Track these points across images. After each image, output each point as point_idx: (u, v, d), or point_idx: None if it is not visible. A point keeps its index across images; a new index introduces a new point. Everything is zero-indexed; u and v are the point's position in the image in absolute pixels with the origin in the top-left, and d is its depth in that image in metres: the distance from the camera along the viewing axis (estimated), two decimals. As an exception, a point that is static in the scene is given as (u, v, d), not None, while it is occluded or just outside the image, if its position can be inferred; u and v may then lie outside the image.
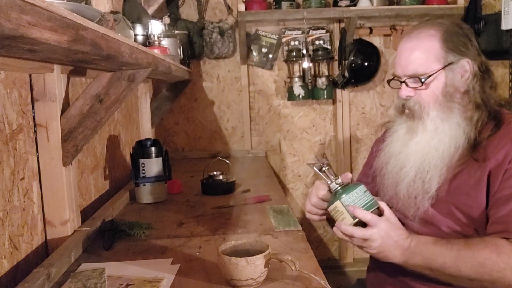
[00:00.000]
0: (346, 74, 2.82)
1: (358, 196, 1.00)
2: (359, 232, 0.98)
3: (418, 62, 1.11)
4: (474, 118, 1.10)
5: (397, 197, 1.16)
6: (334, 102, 2.99)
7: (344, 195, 1.00)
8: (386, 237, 0.98)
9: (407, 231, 1.03)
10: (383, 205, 1.02)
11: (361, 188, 1.01)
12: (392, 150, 1.20)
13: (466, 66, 1.11)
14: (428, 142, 1.12)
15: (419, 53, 1.12)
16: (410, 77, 1.13)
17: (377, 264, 1.26)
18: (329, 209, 1.04)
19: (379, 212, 1.01)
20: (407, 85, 1.14)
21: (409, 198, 1.13)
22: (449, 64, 1.10)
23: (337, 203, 1.01)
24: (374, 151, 1.36)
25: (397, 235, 0.99)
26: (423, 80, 1.11)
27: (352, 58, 2.80)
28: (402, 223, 1.06)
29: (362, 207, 0.99)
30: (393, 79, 1.19)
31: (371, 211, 0.99)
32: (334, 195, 1.04)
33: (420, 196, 1.11)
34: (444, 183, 1.09)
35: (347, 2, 2.72)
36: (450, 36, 1.11)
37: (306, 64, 2.80)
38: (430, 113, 1.12)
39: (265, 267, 0.95)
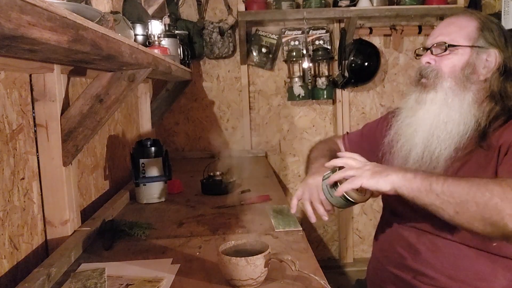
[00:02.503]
0: (346, 74, 2.82)
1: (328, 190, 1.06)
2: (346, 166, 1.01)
3: (451, 32, 1.15)
4: (487, 107, 1.11)
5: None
6: (334, 102, 2.99)
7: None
8: (375, 165, 1.00)
9: None
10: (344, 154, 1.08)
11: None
12: (400, 122, 1.21)
13: (492, 56, 1.12)
14: (437, 114, 1.13)
15: (454, 27, 1.15)
16: (437, 44, 1.15)
17: (378, 263, 1.26)
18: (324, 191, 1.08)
19: None
20: (432, 52, 1.16)
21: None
22: (478, 46, 1.12)
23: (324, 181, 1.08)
24: (378, 128, 1.38)
25: (385, 166, 1.01)
26: (448, 46, 1.13)
27: (352, 58, 2.80)
28: None
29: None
30: (418, 49, 1.23)
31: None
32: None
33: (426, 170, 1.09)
34: (451, 171, 1.08)
35: (347, 2, 2.72)
36: (487, 26, 1.14)
37: (306, 64, 2.81)
38: (444, 83, 1.13)
39: (265, 267, 0.95)
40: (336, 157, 1.12)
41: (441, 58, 1.14)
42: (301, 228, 1.36)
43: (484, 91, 1.13)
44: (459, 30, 1.14)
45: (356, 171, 0.99)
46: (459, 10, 2.70)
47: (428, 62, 1.16)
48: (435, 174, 0.96)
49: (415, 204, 0.95)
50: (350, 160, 1.04)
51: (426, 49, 1.19)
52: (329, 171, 1.08)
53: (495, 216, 0.85)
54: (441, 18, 2.91)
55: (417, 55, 1.24)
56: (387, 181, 0.95)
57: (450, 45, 1.13)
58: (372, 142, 1.38)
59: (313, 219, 1.15)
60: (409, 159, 1.15)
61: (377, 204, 3.07)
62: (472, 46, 1.12)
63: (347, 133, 1.56)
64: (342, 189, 1.00)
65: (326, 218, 1.14)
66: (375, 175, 0.97)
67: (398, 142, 1.20)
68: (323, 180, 1.09)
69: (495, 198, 0.85)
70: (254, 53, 2.90)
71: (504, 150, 1.02)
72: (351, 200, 1.02)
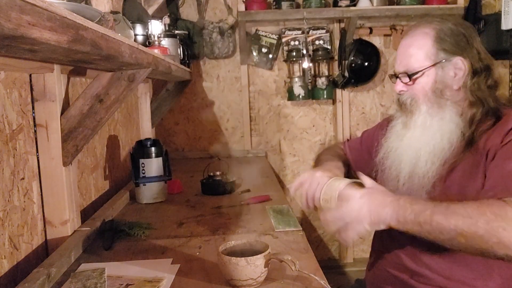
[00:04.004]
0: (346, 74, 2.82)
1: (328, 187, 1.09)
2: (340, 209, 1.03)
3: (409, 58, 1.16)
4: (468, 114, 1.11)
5: (398, 192, 1.16)
6: (334, 102, 2.99)
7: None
8: (370, 199, 1.01)
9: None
10: (364, 177, 1.07)
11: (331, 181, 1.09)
12: (390, 145, 1.23)
13: (459, 64, 1.11)
14: (419, 137, 1.15)
15: (412, 50, 1.16)
16: (403, 72, 1.17)
17: (377, 264, 1.26)
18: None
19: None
20: (401, 80, 1.18)
21: (408, 193, 1.13)
22: (440, 61, 1.13)
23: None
24: (375, 136, 1.39)
25: (382, 195, 1.02)
26: (410, 75, 1.15)
27: (352, 58, 2.80)
28: None
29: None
30: (394, 74, 1.24)
31: (342, 185, 1.06)
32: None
33: (419, 192, 1.12)
34: (440, 179, 1.10)
35: (347, 2, 2.72)
36: (444, 34, 1.13)
37: (306, 64, 2.81)
38: (421, 108, 1.15)
39: (265, 267, 0.95)
40: (343, 160, 1.29)
41: (411, 84, 1.16)
42: (301, 228, 1.36)
43: (463, 99, 1.13)
44: (417, 52, 1.15)
45: (356, 218, 1.01)
46: (459, 11, 2.71)
47: (402, 90, 1.18)
48: (426, 209, 0.96)
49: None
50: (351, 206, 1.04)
51: (395, 76, 1.20)
52: (342, 180, 1.08)
53: (484, 246, 0.90)
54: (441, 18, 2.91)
55: (391, 78, 1.26)
56: (384, 224, 1.00)
57: (411, 75, 1.15)
58: (371, 150, 1.39)
59: (304, 207, 1.19)
60: (399, 179, 1.18)
61: (377, 204, 3.06)
62: (434, 65, 1.13)
63: (348, 140, 1.57)
64: (345, 237, 1.03)
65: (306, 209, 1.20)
66: (374, 224, 1.01)
67: (387, 163, 1.22)
68: (325, 187, 1.10)
69: (480, 230, 0.89)
70: (254, 53, 2.90)
71: (492, 154, 1.03)
72: None
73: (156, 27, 1.84)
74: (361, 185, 1.07)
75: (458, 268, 1.09)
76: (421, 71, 1.14)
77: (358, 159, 1.44)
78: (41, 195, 1.19)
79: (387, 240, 1.22)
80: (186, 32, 2.69)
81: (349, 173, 1.41)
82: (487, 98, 1.11)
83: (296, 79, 2.84)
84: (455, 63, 1.12)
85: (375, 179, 1.30)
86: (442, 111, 1.13)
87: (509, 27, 2.39)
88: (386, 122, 1.39)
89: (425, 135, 1.14)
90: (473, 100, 1.12)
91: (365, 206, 1.00)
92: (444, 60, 1.12)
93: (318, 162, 1.41)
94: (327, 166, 1.26)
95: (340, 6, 2.73)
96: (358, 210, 1.01)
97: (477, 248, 0.91)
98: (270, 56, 2.90)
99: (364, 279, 1.38)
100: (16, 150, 1.07)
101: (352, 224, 1.01)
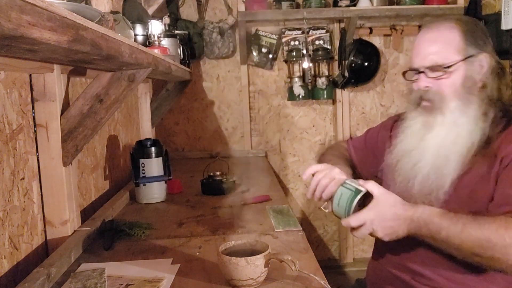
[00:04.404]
0: (346, 74, 2.82)
1: (340, 198, 1.05)
2: (354, 220, 1.02)
3: (438, 52, 1.11)
4: (489, 114, 1.09)
5: (409, 194, 1.14)
6: (334, 102, 2.99)
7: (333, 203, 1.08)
8: (381, 219, 1.00)
9: (408, 203, 1.03)
10: (371, 187, 1.03)
11: (340, 189, 1.06)
12: (405, 146, 1.18)
13: (483, 61, 1.10)
14: (446, 135, 1.10)
15: (440, 43, 1.11)
16: (430, 67, 1.11)
17: (378, 264, 1.26)
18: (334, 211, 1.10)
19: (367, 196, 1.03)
20: (426, 75, 1.12)
21: (422, 195, 1.11)
22: (469, 56, 1.10)
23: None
24: (380, 136, 1.37)
25: (392, 213, 1.00)
26: (446, 68, 1.09)
27: (352, 58, 2.80)
28: None
29: (346, 203, 1.04)
30: (407, 71, 1.19)
31: (356, 201, 1.02)
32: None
33: (434, 193, 1.09)
34: (455, 181, 1.08)
35: (347, 2, 2.72)
36: (470, 30, 1.11)
37: (306, 64, 2.81)
38: (450, 104, 1.10)
39: (265, 267, 0.95)
40: (348, 161, 1.29)
41: (439, 79, 1.11)
42: (301, 228, 1.36)
43: (485, 97, 1.10)
44: (447, 46, 1.11)
45: (372, 226, 1.02)
46: (459, 11, 2.71)
47: (427, 86, 1.13)
48: (441, 229, 0.97)
49: None
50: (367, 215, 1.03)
51: (418, 71, 1.14)
52: (354, 184, 1.05)
53: (499, 266, 0.95)
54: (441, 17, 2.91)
55: (405, 75, 1.21)
56: (399, 237, 1.02)
57: (446, 67, 1.09)
58: (375, 149, 1.37)
59: (309, 195, 1.16)
60: (413, 182, 1.14)
61: (377, 204, 3.06)
62: (464, 59, 1.10)
63: (351, 138, 1.54)
64: (357, 234, 1.05)
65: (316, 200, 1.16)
66: (388, 236, 1.02)
67: (400, 165, 1.18)
68: (343, 185, 1.06)
69: (497, 254, 0.92)
70: (254, 53, 2.90)
71: (506, 162, 1.03)
72: None
73: (156, 27, 1.84)
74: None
75: (460, 270, 1.08)
76: (453, 65, 1.09)
77: (362, 159, 1.42)
78: (41, 195, 1.19)
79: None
80: (186, 32, 2.69)
81: (355, 174, 1.38)
82: (503, 97, 1.10)
83: (296, 79, 2.84)
84: (481, 59, 1.10)
85: (380, 181, 1.29)
86: (470, 109, 1.09)
87: (509, 27, 2.39)
88: (392, 122, 1.37)
89: (453, 133, 1.09)
90: (493, 98, 1.10)
91: (375, 222, 1.01)
92: (472, 56, 1.09)
93: (322, 162, 1.35)
94: (341, 168, 1.21)
95: (340, 6, 2.73)
96: (370, 225, 1.01)
97: (491, 266, 0.96)
98: (270, 56, 2.90)
99: (364, 278, 1.38)
100: (16, 150, 1.07)
101: (366, 232, 1.03)
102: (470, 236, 0.94)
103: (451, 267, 1.09)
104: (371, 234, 1.04)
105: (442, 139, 1.11)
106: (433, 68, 1.11)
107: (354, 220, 1.02)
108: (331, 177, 1.11)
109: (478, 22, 1.17)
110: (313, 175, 1.16)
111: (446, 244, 0.98)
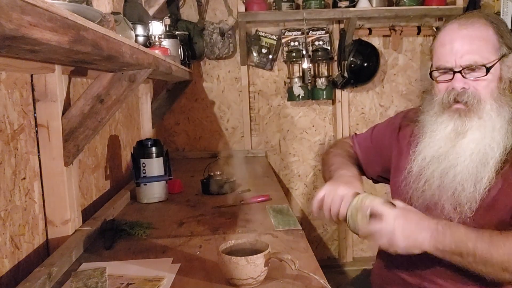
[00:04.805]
0: (346, 74, 2.82)
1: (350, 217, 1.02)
2: (373, 226, 0.96)
3: (478, 51, 1.02)
4: None
5: (434, 202, 1.08)
6: (333, 103, 3.00)
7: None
8: (405, 221, 0.94)
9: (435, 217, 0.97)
10: (397, 202, 0.99)
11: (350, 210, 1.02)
12: (433, 152, 1.09)
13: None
14: (482, 139, 1.03)
15: (478, 41, 1.03)
16: (467, 67, 1.03)
17: (385, 266, 1.23)
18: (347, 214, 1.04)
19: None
20: (463, 76, 1.04)
21: (452, 204, 1.05)
22: (503, 56, 1.03)
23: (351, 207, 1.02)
24: (386, 136, 1.31)
25: (418, 217, 0.95)
26: (488, 68, 1.01)
27: (351, 59, 2.81)
28: None
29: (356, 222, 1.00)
30: (433, 71, 1.10)
31: (365, 218, 0.99)
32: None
33: (468, 201, 1.03)
34: (486, 191, 1.02)
35: (347, 3, 2.73)
36: (500, 28, 1.05)
37: (305, 64, 2.81)
38: (487, 107, 1.03)
39: (265, 266, 0.96)
40: (354, 159, 1.24)
41: (476, 80, 1.03)
42: (301, 228, 1.36)
43: None
44: (486, 44, 1.02)
45: (388, 242, 0.97)
46: (458, 11, 2.71)
47: (463, 87, 1.04)
48: (468, 239, 0.92)
49: None
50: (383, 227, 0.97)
51: (453, 71, 1.05)
52: (373, 198, 1.01)
53: None
54: (440, 18, 2.92)
55: (431, 75, 1.11)
56: (420, 250, 0.96)
57: (488, 67, 1.01)
58: (381, 148, 1.31)
59: (328, 221, 1.12)
60: (444, 188, 1.06)
61: (377, 204, 3.07)
62: (500, 58, 1.03)
63: (356, 134, 1.46)
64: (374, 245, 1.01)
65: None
66: (409, 244, 0.96)
67: (429, 171, 1.09)
68: (356, 202, 1.02)
69: None
70: (254, 54, 2.91)
71: None
72: None
73: (157, 27, 1.84)
74: (391, 204, 1.00)
75: (471, 276, 1.02)
76: (493, 65, 1.01)
77: (368, 158, 1.35)
78: (43, 194, 1.20)
79: None
80: (187, 32, 2.70)
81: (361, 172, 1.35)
82: None
83: (296, 80, 2.84)
84: (511, 59, 1.04)
85: (387, 182, 1.25)
86: (503, 111, 1.03)
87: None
88: (399, 119, 1.30)
89: (488, 138, 1.02)
90: None
91: (399, 229, 0.94)
92: (506, 55, 1.03)
93: (327, 162, 1.31)
94: (345, 178, 1.14)
95: (340, 7, 2.73)
96: (391, 233, 0.94)
97: None
98: (270, 56, 2.91)
99: (371, 269, 1.34)
100: (17, 150, 1.08)
101: (384, 245, 0.97)
102: (498, 249, 0.89)
103: (463, 274, 1.03)
104: (388, 248, 0.98)
105: (477, 144, 1.03)
106: (472, 68, 1.03)
107: (364, 231, 0.98)
108: (340, 198, 1.05)
109: (502, 19, 1.10)
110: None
111: (472, 258, 0.92)
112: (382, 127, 1.38)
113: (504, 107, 1.03)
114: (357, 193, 1.04)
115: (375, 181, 1.40)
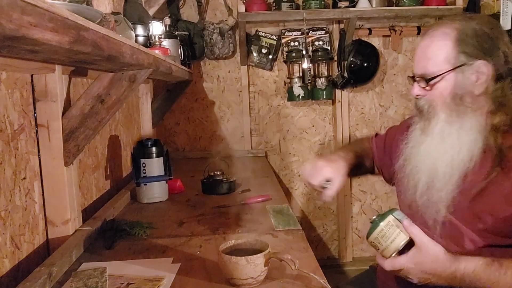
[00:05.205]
0: (346, 74, 2.82)
1: (380, 232, 1.00)
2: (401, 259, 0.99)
3: (428, 61, 1.07)
4: (493, 123, 1.03)
5: (416, 204, 1.11)
6: (333, 103, 3.00)
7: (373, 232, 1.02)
8: (419, 271, 0.98)
9: (450, 256, 0.97)
10: (415, 233, 0.98)
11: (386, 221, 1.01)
12: (408, 151, 1.16)
13: (482, 68, 1.03)
14: (436, 146, 1.07)
15: (430, 52, 1.07)
16: (420, 76, 1.09)
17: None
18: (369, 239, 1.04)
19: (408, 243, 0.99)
20: (418, 83, 1.10)
21: (426, 206, 1.08)
22: (460, 65, 1.04)
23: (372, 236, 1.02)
24: (396, 138, 1.31)
25: (433, 268, 0.97)
26: (428, 80, 1.07)
27: (351, 59, 2.81)
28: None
29: (386, 242, 1.00)
30: (412, 76, 1.15)
31: (399, 248, 0.99)
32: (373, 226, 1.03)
33: (435, 205, 1.06)
34: (467, 194, 1.02)
35: (347, 3, 2.73)
36: (466, 35, 1.04)
37: (305, 64, 2.81)
38: (439, 115, 1.07)
39: (265, 266, 0.96)
40: (364, 155, 1.33)
41: (429, 89, 1.08)
42: (301, 228, 1.36)
43: (486, 105, 1.05)
44: (436, 54, 1.06)
45: (408, 274, 1.00)
46: (458, 11, 2.71)
47: (418, 95, 1.11)
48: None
49: None
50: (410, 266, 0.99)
51: (413, 78, 1.12)
52: (398, 223, 1.01)
53: None
54: (440, 19, 2.92)
55: (409, 80, 1.18)
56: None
57: (428, 79, 1.06)
58: (392, 152, 1.30)
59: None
60: (416, 190, 1.11)
61: (376, 204, 3.08)
62: (454, 68, 1.04)
63: (376, 134, 1.47)
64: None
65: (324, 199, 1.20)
66: (426, 283, 1.00)
67: (406, 171, 1.15)
68: (388, 217, 1.01)
69: None
70: (254, 54, 2.91)
71: None
72: None
73: (157, 28, 1.84)
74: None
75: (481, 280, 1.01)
76: (439, 75, 1.05)
77: (382, 159, 1.37)
78: (43, 194, 1.20)
79: None
80: (187, 33, 2.70)
81: (373, 168, 1.39)
82: (510, 102, 1.04)
83: (296, 80, 2.84)
84: (477, 67, 1.03)
85: (394, 182, 1.25)
86: (462, 119, 1.04)
87: (507, 28, 2.39)
88: (410, 120, 1.29)
89: (442, 145, 1.06)
90: (495, 107, 1.03)
91: (412, 271, 0.98)
92: (464, 64, 1.03)
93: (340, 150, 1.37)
94: (331, 156, 1.25)
95: (340, 7, 2.73)
96: (406, 272, 0.99)
97: None
98: (270, 56, 2.91)
99: (377, 265, 1.34)
100: (17, 150, 1.08)
101: (398, 273, 1.01)
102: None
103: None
104: (400, 275, 1.01)
105: (434, 150, 1.08)
106: (419, 79, 1.09)
107: (389, 265, 1.00)
108: (317, 170, 1.18)
109: (489, 23, 1.07)
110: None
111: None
112: (394, 128, 1.40)
113: (463, 116, 1.05)
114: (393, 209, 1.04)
115: (393, 184, 1.35)
